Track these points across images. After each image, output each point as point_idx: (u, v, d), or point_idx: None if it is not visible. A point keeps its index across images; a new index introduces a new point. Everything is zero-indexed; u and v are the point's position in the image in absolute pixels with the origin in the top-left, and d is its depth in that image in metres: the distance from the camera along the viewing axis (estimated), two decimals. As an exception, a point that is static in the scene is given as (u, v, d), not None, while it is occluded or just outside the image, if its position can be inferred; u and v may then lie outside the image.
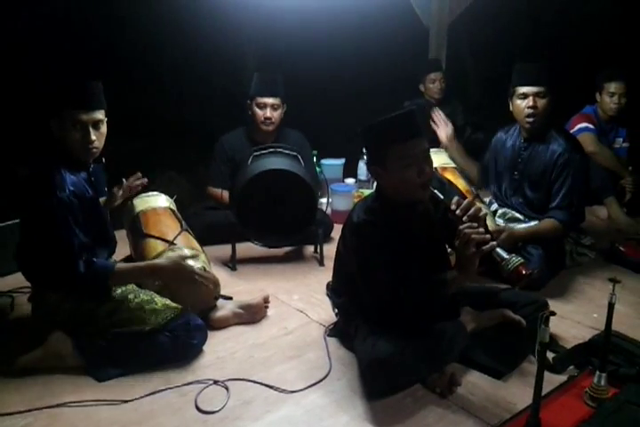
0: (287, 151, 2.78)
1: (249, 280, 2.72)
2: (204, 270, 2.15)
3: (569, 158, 2.61)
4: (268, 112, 3.07)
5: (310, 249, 3.07)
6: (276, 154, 2.71)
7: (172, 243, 2.24)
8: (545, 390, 1.64)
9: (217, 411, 1.76)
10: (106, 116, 2.09)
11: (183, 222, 2.40)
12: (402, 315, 1.86)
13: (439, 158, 2.94)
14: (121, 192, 2.40)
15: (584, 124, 3.59)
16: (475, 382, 1.92)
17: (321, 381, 1.90)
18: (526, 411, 1.74)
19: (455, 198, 1.82)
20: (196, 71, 4.78)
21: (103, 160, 3.86)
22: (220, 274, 2.80)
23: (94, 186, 2.14)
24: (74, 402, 1.78)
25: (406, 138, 1.82)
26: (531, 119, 2.64)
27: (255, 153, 2.73)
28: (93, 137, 2.00)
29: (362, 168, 3.85)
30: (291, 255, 3.03)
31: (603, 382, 1.75)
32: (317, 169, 3.77)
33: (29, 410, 1.74)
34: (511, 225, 2.77)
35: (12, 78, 3.71)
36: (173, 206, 2.61)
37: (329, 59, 5.07)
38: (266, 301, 2.33)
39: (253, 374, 1.95)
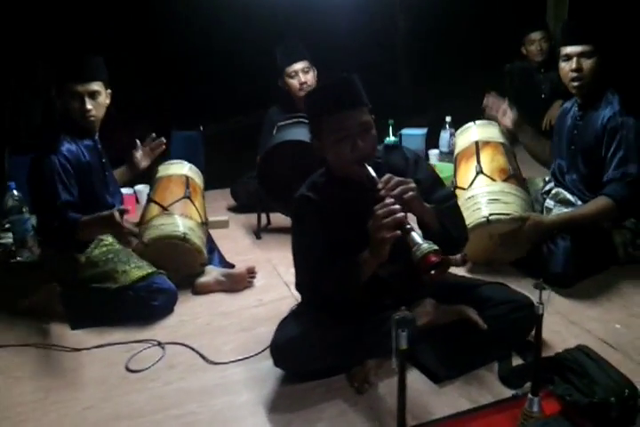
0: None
1: (264, 250, 2.74)
2: (181, 237, 2.24)
3: (621, 122, 2.14)
4: (302, 77, 3.01)
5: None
6: (298, 124, 2.65)
7: (165, 209, 2.36)
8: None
9: (140, 370, 1.86)
10: (107, 87, 2.27)
11: (188, 190, 2.49)
12: (318, 298, 1.74)
13: (485, 132, 2.59)
14: (140, 153, 2.56)
15: None
16: (407, 383, 1.73)
17: (249, 357, 1.88)
18: (433, 423, 1.55)
19: (386, 176, 1.61)
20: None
21: (201, 128, 4.15)
22: (243, 241, 2.90)
23: (100, 153, 2.35)
24: (39, 344, 2.03)
25: (339, 109, 1.65)
26: (576, 83, 2.20)
27: (280, 123, 2.70)
28: (89, 106, 2.18)
29: (444, 139, 3.55)
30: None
31: (535, 409, 1.46)
32: (393, 139, 3.59)
33: (3, 345, 2.03)
34: (558, 209, 2.37)
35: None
36: (195, 175, 2.71)
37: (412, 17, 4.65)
38: (250, 271, 2.35)
39: (195, 342, 2.00)
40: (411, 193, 1.57)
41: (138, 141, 2.60)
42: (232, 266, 2.49)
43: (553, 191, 2.44)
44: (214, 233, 2.81)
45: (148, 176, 2.79)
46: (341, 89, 1.68)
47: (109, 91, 2.29)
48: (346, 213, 1.75)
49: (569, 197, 2.36)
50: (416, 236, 1.50)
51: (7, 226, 2.61)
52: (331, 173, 1.80)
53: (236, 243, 2.86)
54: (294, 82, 3.04)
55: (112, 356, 1.95)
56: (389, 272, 1.79)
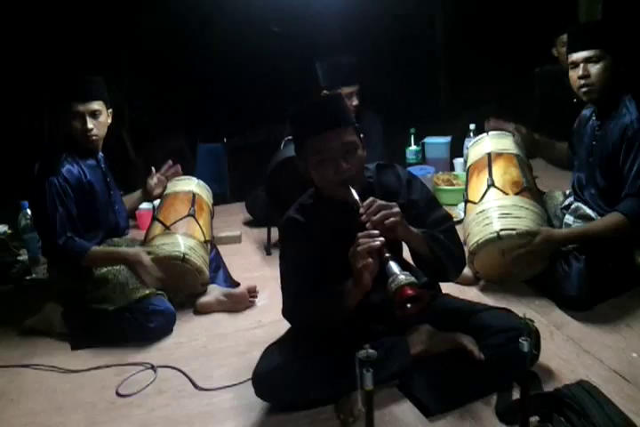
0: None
1: (273, 266, 2.64)
2: (181, 257, 2.21)
3: (638, 130, 1.97)
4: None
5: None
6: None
7: (167, 228, 2.35)
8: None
9: (129, 395, 1.83)
10: (109, 107, 2.28)
11: (193, 208, 2.47)
12: (301, 326, 1.67)
13: (498, 143, 2.45)
14: (155, 181, 2.58)
15: None
16: (396, 415, 1.64)
17: (238, 384, 1.82)
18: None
19: (368, 200, 1.52)
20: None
21: (225, 141, 4.13)
22: (254, 257, 2.86)
23: (104, 172, 2.36)
24: (37, 365, 2.03)
25: (319, 130, 1.58)
26: (585, 89, 2.07)
27: (287, 137, 2.65)
28: (91, 126, 2.20)
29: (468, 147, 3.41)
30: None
31: (525, 448, 1.35)
32: (415, 148, 3.49)
33: (4, 366, 2.05)
34: (577, 225, 2.21)
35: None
36: (202, 190, 2.68)
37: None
38: (250, 291, 2.30)
39: (188, 365, 1.96)
40: (392, 219, 1.48)
41: (153, 169, 2.61)
42: (237, 284, 2.45)
43: (572, 206, 2.28)
44: (226, 248, 2.79)
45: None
46: (324, 109, 1.61)
47: (111, 110, 2.30)
48: (334, 235, 1.67)
49: (589, 212, 2.20)
50: (394, 266, 1.42)
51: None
52: (319, 195, 1.73)
53: (246, 259, 2.82)
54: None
55: (105, 378, 1.94)
56: (382, 298, 1.70)
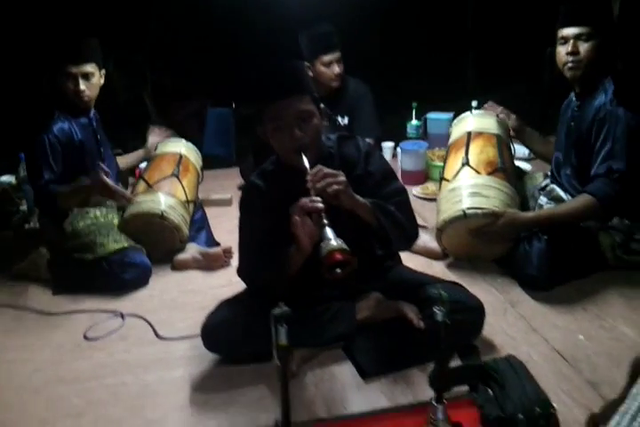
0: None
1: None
2: (159, 215, 2.31)
3: (609, 113, 1.96)
4: (337, 68, 2.95)
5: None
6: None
7: (150, 186, 2.44)
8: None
9: (94, 339, 1.96)
10: (101, 68, 2.37)
11: (177, 169, 2.55)
12: (252, 286, 1.76)
13: (480, 122, 2.44)
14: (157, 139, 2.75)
15: None
16: (335, 375, 1.72)
17: (197, 336, 1.89)
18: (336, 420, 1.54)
19: (316, 168, 1.58)
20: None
21: (233, 106, 4.17)
22: (240, 221, 2.93)
23: (95, 130, 2.46)
24: (17, 306, 2.19)
25: (276, 97, 1.63)
26: (570, 65, 2.05)
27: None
28: (83, 87, 2.30)
29: (470, 124, 3.39)
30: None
31: (440, 416, 1.41)
32: (415, 122, 3.48)
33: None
34: (548, 207, 2.22)
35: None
36: (191, 153, 2.76)
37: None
38: (226, 252, 2.39)
39: (155, 315, 2.07)
40: (335, 186, 1.53)
41: (151, 126, 2.72)
42: (218, 245, 2.54)
43: (548, 188, 2.29)
44: (215, 211, 2.88)
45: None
46: (279, 76, 1.65)
47: (104, 71, 2.39)
48: (289, 201, 1.72)
49: (562, 194, 2.21)
50: (329, 232, 1.48)
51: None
52: (279, 161, 1.78)
53: (232, 221, 2.86)
54: (328, 72, 2.98)
55: (77, 323, 2.07)
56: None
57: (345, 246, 1.44)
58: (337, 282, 1.48)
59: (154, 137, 2.76)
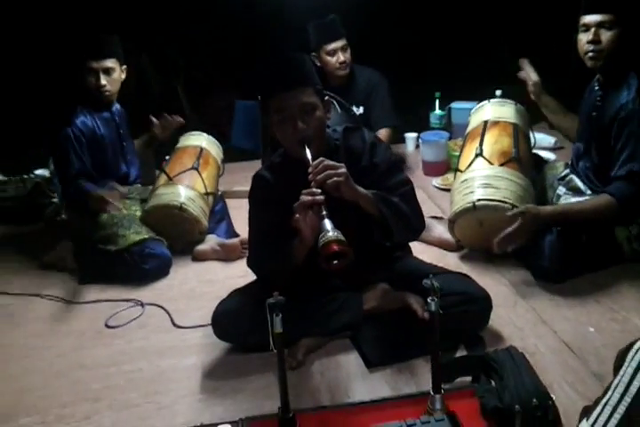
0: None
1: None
2: (178, 207, 2.38)
3: (632, 112, 1.91)
4: (341, 56, 2.97)
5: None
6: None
7: (170, 179, 2.51)
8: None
9: (114, 327, 2.05)
10: (122, 63, 2.44)
11: (198, 162, 2.61)
12: (259, 277, 1.80)
13: (497, 111, 2.41)
14: (159, 130, 2.72)
15: None
16: (340, 364, 1.76)
17: (210, 325, 1.99)
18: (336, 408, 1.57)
19: (318, 160, 1.60)
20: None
21: (259, 98, 4.28)
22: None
23: (117, 124, 2.54)
24: (45, 295, 2.30)
25: (280, 89, 1.65)
26: (591, 55, 1.99)
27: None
28: (104, 81, 2.39)
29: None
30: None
31: (438, 406, 1.43)
32: (439, 113, 3.45)
33: (19, 294, 2.32)
34: (566, 197, 2.19)
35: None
36: (212, 146, 2.81)
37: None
38: (243, 243, 2.43)
39: (174, 305, 2.15)
40: (335, 178, 1.55)
41: (152, 118, 2.72)
42: (237, 236, 2.60)
43: (567, 178, 2.25)
44: (237, 202, 2.93)
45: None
46: (284, 68, 1.67)
47: (125, 66, 2.46)
48: (296, 193, 1.76)
49: (579, 184, 2.17)
50: (327, 223, 1.50)
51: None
52: (286, 153, 1.81)
53: (253, 213, 2.95)
54: (333, 60, 3.01)
55: (99, 311, 2.16)
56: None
57: (342, 238, 1.46)
58: (335, 273, 1.51)
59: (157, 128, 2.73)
